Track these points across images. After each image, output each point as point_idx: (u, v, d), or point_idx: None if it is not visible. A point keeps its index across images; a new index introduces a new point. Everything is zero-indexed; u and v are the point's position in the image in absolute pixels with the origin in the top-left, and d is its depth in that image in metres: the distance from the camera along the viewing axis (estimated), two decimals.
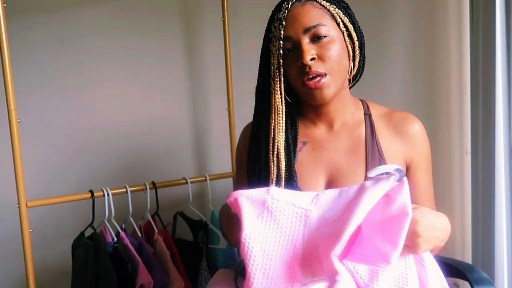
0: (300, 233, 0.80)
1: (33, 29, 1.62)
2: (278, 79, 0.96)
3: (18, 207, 1.32)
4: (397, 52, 1.75)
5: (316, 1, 0.94)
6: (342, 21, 0.96)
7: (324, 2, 0.94)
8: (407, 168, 1.02)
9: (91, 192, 1.42)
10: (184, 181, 1.58)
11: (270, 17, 0.98)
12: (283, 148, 0.97)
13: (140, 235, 1.47)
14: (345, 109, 1.03)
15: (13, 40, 1.31)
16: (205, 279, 1.53)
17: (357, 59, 0.99)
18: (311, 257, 0.78)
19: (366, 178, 0.93)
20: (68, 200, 1.44)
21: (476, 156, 1.45)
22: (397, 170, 0.80)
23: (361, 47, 1.00)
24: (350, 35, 0.97)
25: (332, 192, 0.84)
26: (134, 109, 1.77)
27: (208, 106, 1.87)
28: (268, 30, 0.98)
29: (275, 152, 0.97)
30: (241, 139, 1.10)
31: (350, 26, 0.97)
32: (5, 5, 1.26)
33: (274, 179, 0.96)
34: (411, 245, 0.78)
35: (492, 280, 1.37)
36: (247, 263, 0.79)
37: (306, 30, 0.92)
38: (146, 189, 1.51)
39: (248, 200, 0.84)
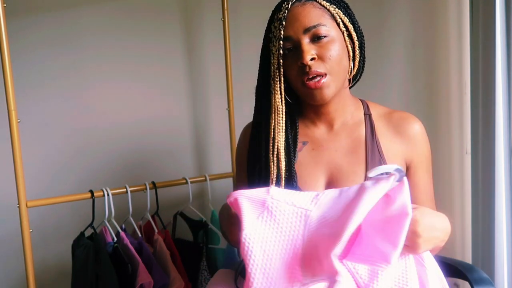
0: (300, 233, 0.80)
1: (33, 29, 1.62)
2: (278, 79, 0.96)
3: (18, 207, 1.32)
4: (397, 52, 1.75)
5: (316, 1, 0.94)
6: (342, 21, 0.96)
7: (324, 2, 0.94)
8: (407, 168, 1.02)
9: (91, 192, 1.42)
10: (184, 181, 1.58)
11: (270, 17, 0.98)
12: (283, 148, 0.97)
13: (140, 235, 1.47)
14: (345, 109, 1.03)
15: (13, 40, 1.31)
16: (205, 279, 1.53)
17: (357, 59, 0.99)
18: (311, 257, 0.78)
19: (366, 178, 0.93)
20: (68, 200, 1.44)
21: (476, 156, 1.45)
22: (397, 170, 0.80)
23: (361, 47, 1.00)
24: (350, 35, 0.97)
25: (332, 192, 0.84)
26: (134, 109, 1.77)
27: (208, 106, 1.87)
28: (268, 30, 0.98)
29: (275, 152, 0.97)
30: (241, 139, 1.10)
31: (350, 26, 0.97)
32: (5, 5, 1.26)
33: (274, 179, 0.96)
34: (411, 245, 0.78)
35: (492, 280, 1.37)
36: (247, 263, 0.79)
37: (306, 30, 0.92)
38: (146, 189, 1.51)
39: (248, 200, 0.84)
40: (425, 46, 1.68)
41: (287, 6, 0.94)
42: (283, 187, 0.95)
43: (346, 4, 0.99)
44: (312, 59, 0.92)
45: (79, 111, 1.70)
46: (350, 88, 1.04)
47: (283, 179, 0.96)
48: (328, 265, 0.75)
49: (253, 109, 1.04)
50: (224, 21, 1.64)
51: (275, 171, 0.96)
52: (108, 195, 1.42)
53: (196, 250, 1.57)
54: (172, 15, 1.79)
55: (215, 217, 1.60)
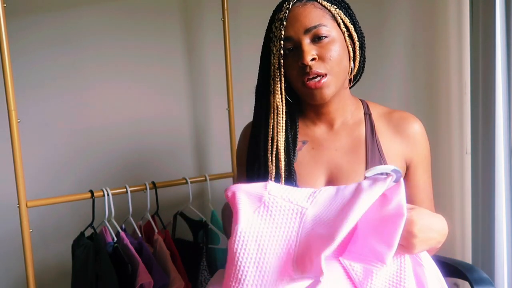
0: (295, 229, 0.80)
1: (33, 29, 1.62)
2: (278, 79, 0.96)
3: (18, 207, 1.32)
4: (397, 52, 1.75)
5: (317, 1, 0.94)
6: (343, 22, 0.96)
7: (325, 2, 0.94)
8: (407, 168, 1.02)
9: (91, 192, 1.42)
10: (184, 181, 1.58)
11: (271, 17, 0.98)
12: (283, 147, 0.98)
13: (140, 235, 1.47)
14: (345, 109, 1.03)
15: (13, 40, 1.31)
16: (205, 279, 1.53)
17: (358, 60, 0.99)
18: (303, 255, 0.78)
19: (364, 177, 0.94)
20: (68, 200, 1.44)
21: (476, 156, 1.45)
22: (394, 171, 0.80)
23: (362, 47, 1.00)
24: (350, 36, 0.97)
25: (329, 190, 0.84)
26: (134, 109, 1.77)
27: (208, 106, 1.87)
28: (269, 30, 0.98)
29: (274, 152, 0.97)
30: (241, 139, 1.11)
31: (351, 27, 0.97)
32: (5, 5, 1.26)
33: (273, 179, 0.96)
34: (406, 245, 0.78)
35: (492, 280, 1.37)
36: (239, 256, 0.78)
37: (307, 31, 0.92)
38: (146, 189, 1.51)
39: (245, 194, 0.84)
40: (425, 46, 1.68)
41: (288, 6, 0.94)
42: None
43: (347, 4, 0.99)
44: (313, 59, 0.92)
45: (79, 111, 1.70)
46: (350, 88, 1.04)
47: (283, 178, 0.96)
48: (316, 264, 0.75)
49: (253, 109, 1.04)
50: (224, 21, 1.64)
51: (274, 170, 0.96)
52: (108, 195, 1.42)
53: (196, 250, 1.57)
54: (172, 15, 1.80)
55: (215, 217, 1.60)
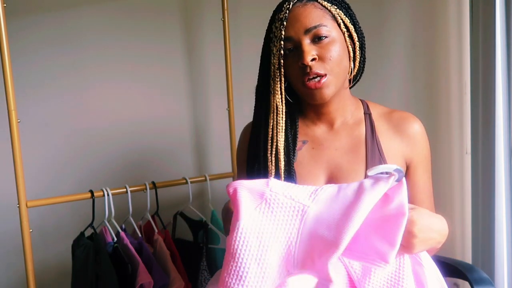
0: (296, 227, 0.80)
1: (33, 29, 1.62)
2: (278, 79, 0.96)
3: (18, 207, 1.32)
4: (397, 52, 1.75)
5: (317, 1, 0.94)
6: (343, 22, 0.96)
7: (325, 2, 0.94)
8: (407, 167, 1.02)
9: (91, 192, 1.42)
10: (184, 181, 1.58)
11: (271, 17, 0.98)
12: (283, 147, 0.98)
13: (140, 235, 1.47)
14: (345, 109, 1.03)
15: (13, 40, 1.31)
16: (205, 279, 1.53)
17: (358, 60, 0.99)
18: (304, 253, 0.78)
19: (366, 176, 0.94)
20: (68, 200, 1.44)
21: (476, 156, 1.45)
22: (397, 170, 0.80)
23: (362, 47, 1.00)
24: (351, 36, 0.97)
25: (331, 188, 0.84)
26: (134, 109, 1.77)
27: (208, 106, 1.87)
28: (269, 30, 0.98)
29: (273, 152, 0.97)
30: (241, 139, 1.11)
31: (351, 27, 0.97)
32: (5, 5, 1.26)
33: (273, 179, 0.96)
34: (406, 245, 0.78)
35: (492, 280, 1.37)
36: (240, 253, 0.78)
37: (307, 31, 0.92)
38: (146, 189, 1.51)
39: (247, 191, 0.84)
40: (425, 46, 1.68)
41: (288, 6, 0.94)
42: None
43: (347, 4, 0.99)
44: (313, 59, 0.92)
45: (79, 111, 1.70)
46: (350, 88, 1.04)
47: (283, 178, 0.96)
48: (322, 269, 0.75)
49: (253, 109, 1.04)
50: (224, 21, 1.64)
51: (273, 170, 0.96)
52: (108, 195, 1.42)
53: (196, 250, 1.57)
54: (172, 15, 1.80)
55: (215, 217, 1.60)
